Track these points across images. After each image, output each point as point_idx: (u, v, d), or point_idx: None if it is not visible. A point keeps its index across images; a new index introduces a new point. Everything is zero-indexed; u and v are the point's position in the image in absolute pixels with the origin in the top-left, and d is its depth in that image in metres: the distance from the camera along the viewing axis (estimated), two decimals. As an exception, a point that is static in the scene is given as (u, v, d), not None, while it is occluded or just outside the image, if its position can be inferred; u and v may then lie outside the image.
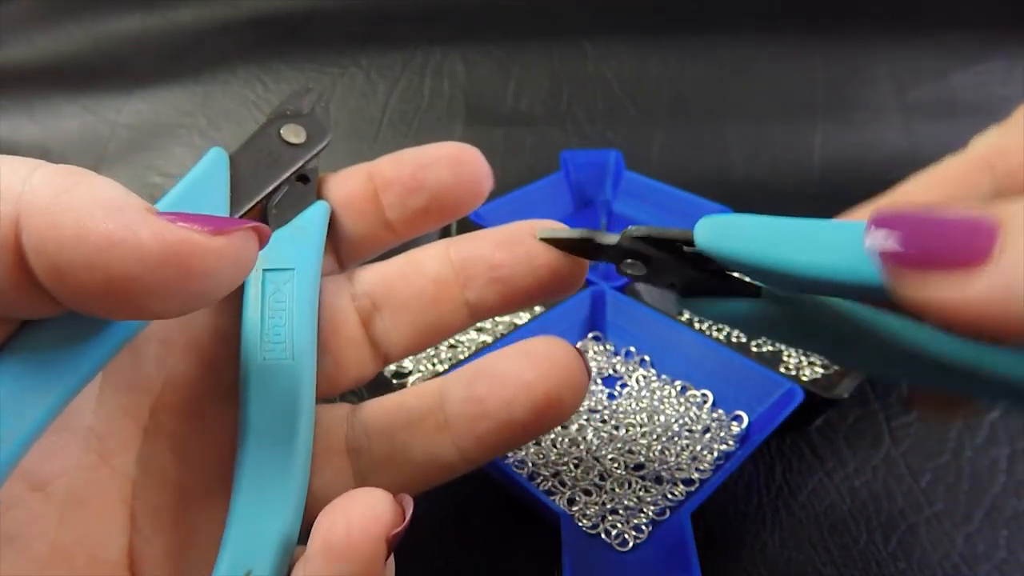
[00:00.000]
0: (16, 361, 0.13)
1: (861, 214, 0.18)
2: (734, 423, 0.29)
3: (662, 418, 0.30)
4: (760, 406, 0.29)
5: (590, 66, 0.58)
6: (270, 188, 0.19)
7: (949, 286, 0.11)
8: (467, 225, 0.38)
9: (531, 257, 0.19)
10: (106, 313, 0.13)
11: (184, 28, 0.59)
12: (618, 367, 0.33)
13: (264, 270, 0.18)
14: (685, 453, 0.28)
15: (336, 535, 0.14)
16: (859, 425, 0.31)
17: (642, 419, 0.30)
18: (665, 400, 0.31)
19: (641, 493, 0.27)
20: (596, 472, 0.28)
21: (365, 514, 0.14)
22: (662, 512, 0.26)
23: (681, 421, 0.30)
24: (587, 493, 0.27)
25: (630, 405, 0.31)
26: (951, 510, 0.27)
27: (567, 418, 0.18)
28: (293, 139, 0.20)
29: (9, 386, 0.13)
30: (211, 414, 0.18)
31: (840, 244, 0.13)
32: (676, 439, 0.29)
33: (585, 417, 0.30)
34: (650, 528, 0.25)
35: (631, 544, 0.25)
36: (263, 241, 0.14)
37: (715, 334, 0.36)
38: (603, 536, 0.25)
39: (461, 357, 0.33)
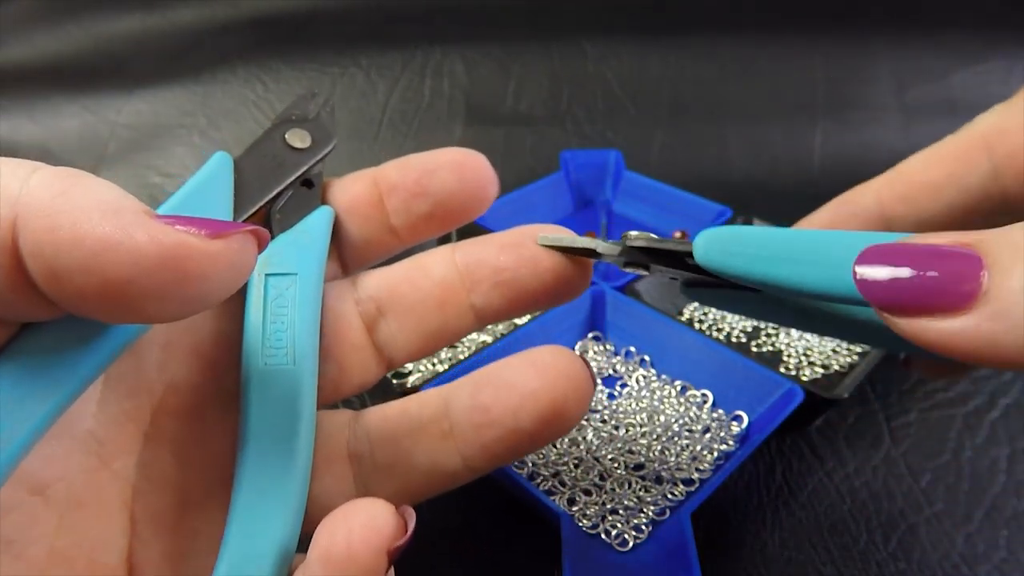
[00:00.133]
0: (15, 364, 0.13)
1: (837, 213, 0.18)
2: (734, 423, 0.29)
3: (662, 418, 0.30)
4: (760, 406, 0.29)
5: (590, 66, 0.58)
6: (274, 192, 0.19)
7: (937, 326, 0.11)
8: (468, 227, 0.38)
9: (536, 261, 0.19)
10: (104, 316, 0.13)
11: (184, 28, 0.59)
12: (618, 367, 0.33)
13: (266, 275, 0.18)
14: (685, 453, 0.28)
15: (337, 546, 0.14)
16: (859, 425, 0.31)
17: (642, 419, 0.30)
18: (665, 400, 0.31)
19: (641, 493, 0.27)
20: (596, 472, 0.28)
21: (367, 525, 0.14)
22: (662, 512, 0.26)
23: (681, 421, 0.30)
24: (587, 493, 0.27)
25: (630, 405, 0.31)
26: (951, 510, 0.27)
27: (573, 427, 0.18)
28: (298, 144, 0.20)
29: (8, 389, 0.13)
30: (212, 419, 0.18)
31: (837, 260, 0.13)
32: (676, 439, 0.29)
33: (585, 417, 0.30)
34: (650, 528, 0.25)
35: (631, 544, 0.25)
36: (262, 245, 0.14)
37: (715, 334, 0.36)
38: (603, 536, 0.25)
39: (461, 357, 0.33)
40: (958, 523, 0.27)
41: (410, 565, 0.26)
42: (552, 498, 0.26)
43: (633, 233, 0.18)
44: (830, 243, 0.13)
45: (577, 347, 0.34)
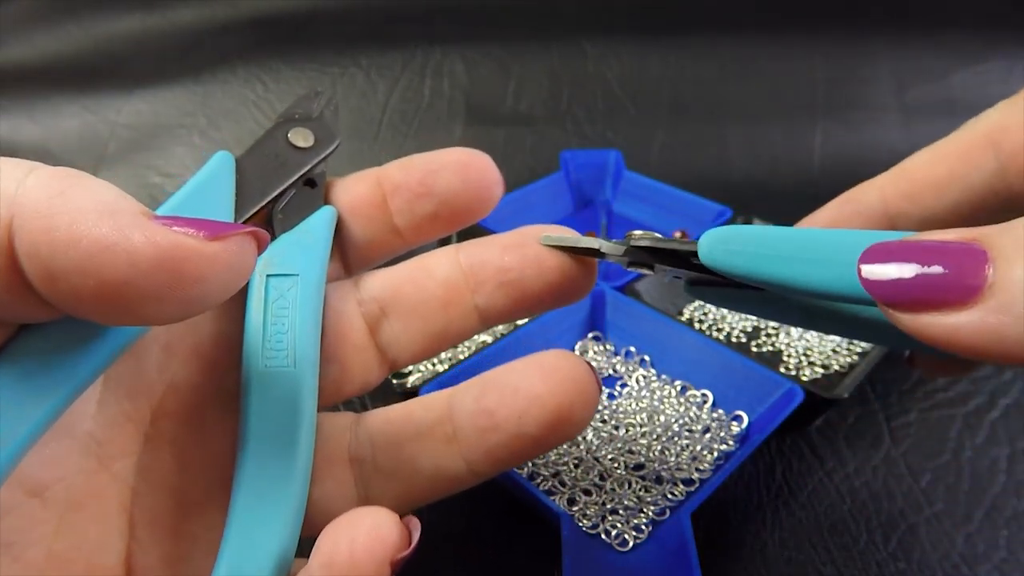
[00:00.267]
0: (13, 365, 0.13)
1: (840, 212, 0.18)
2: (734, 423, 0.29)
3: (662, 418, 0.30)
4: (760, 406, 0.29)
5: (590, 66, 0.58)
6: (276, 192, 0.19)
7: (942, 321, 0.11)
8: (469, 228, 0.38)
9: (541, 261, 0.18)
10: (101, 318, 0.13)
11: (184, 28, 0.59)
12: (618, 367, 0.33)
13: (268, 275, 0.18)
14: (685, 453, 0.28)
15: (340, 554, 0.14)
16: (859, 425, 0.31)
17: (642, 419, 0.30)
18: (665, 400, 0.31)
19: (641, 493, 0.27)
20: (596, 472, 0.28)
21: (370, 535, 0.14)
22: (662, 512, 0.26)
23: (681, 421, 0.30)
24: (587, 493, 0.27)
25: (630, 405, 0.31)
26: (951, 510, 0.27)
27: (578, 433, 0.18)
28: (301, 143, 0.20)
29: (6, 390, 0.13)
30: (212, 421, 0.18)
31: (842, 259, 0.13)
32: (676, 439, 0.29)
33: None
34: (650, 528, 0.25)
35: (631, 544, 0.25)
36: (262, 246, 0.14)
37: (715, 334, 0.36)
38: (603, 536, 0.25)
39: (461, 357, 0.33)
40: (958, 523, 0.27)
41: (410, 565, 0.26)
42: (552, 498, 0.26)
43: (637, 232, 0.18)
44: (835, 242, 0.13)
45: (577, 347, 0.34)
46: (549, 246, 0.19)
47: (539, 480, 0.27)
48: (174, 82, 0.58)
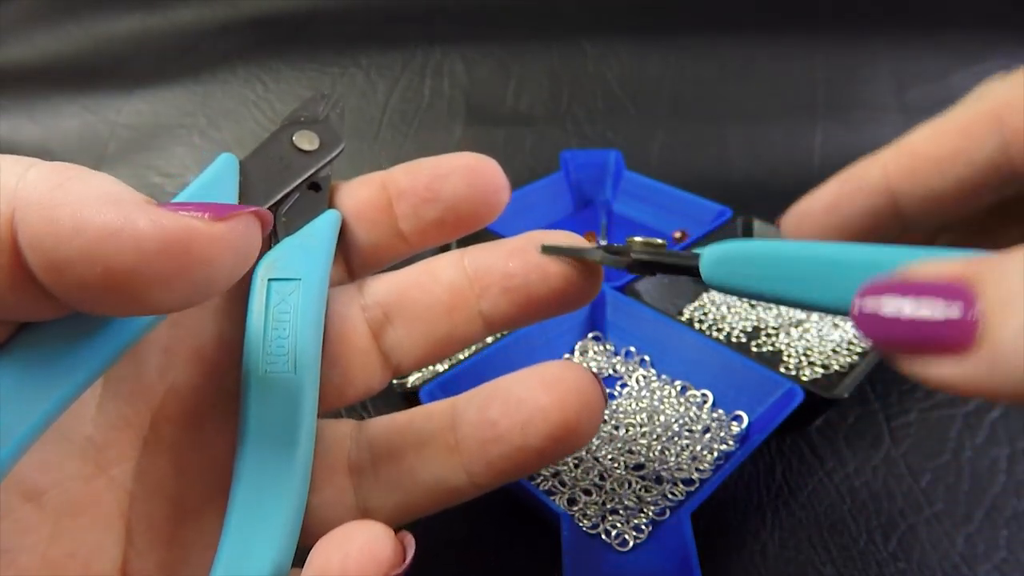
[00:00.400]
0: (12, 364, 0.13)
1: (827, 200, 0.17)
2: (734, 423, 0.29)
3: (662, 418, 0.30)
4: (760, 406, 0.29)
5: (590, 66, 0.58)
6: (280, 195, 0.19)
7: (937, 367, 0.11)
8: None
9: (545, 267, 0.18)
10: (107, 309, 0.13)
11: (184, 28, 0.59)
12: (618, 367, 0.33)
13: (270, 279, 0.18)
14: (685, 453, 0.28)
15: (331, 570, 0.14)
16: (859, 425, 0.31)
17: (642, 419, 0.30)
18: (665, 400, 0.31)
19: (641, 493, 0.27)
20: (596, 472, 0.28)
21: (363, 550, 0.14)
22: (662, 512, 0.26)
23: (681, 421, 0.30)
24: (587, 493, 0.27)
25: (630, 405, 0.31)
26: (951, 510, 0.27)
27: (583, 445, 0.18)
28: (306, 146, 0.20)
29: (4, 389, 0.13)
30: (212, 425, 0.18)
31: (848, 285, 0.13)
32: (676, 439, 0.29)
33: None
34: (650, 528, 0.25)
35: (631, 544, 0.25)
36: (266, 227, 0.14)
37: (715, 334, 0.36)
38: (603, 536, 0.25)
39: (461, 357, 0.33)
40: (958, 523, 0.27)
41: (410, 565, 0.26)
42: (552, 498, 0.26)
43: (638, 240, 0.18)
44: (838, 262, 0.13)
45: (577, 347, 0.34)
46: (547, 252, 0.18)
47: (539, 480, 0.27)
48: (174, 82, 0.58)
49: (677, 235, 0.43)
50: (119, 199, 0.12)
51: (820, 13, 0.57)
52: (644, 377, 0.32)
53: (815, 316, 0.37)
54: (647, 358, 0.33)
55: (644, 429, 0.30)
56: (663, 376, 0.33)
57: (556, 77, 0.58)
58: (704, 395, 0.31)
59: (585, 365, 0.33)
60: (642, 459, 0.28)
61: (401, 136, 0.56)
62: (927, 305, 0.11)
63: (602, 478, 0.27)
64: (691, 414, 0.30)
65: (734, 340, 0.36)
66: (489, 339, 0.34)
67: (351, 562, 0.14)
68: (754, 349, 0.36)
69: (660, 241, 0.18)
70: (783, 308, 0.38)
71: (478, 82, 0.58)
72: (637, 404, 0.31)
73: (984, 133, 0.15)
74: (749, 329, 0.37)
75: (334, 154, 0.20)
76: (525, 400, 0.17)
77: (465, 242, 0.21)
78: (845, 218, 0.17)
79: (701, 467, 0.28)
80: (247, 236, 0.13)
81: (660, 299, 0.37)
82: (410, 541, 0.15)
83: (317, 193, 0.19)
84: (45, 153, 0.54)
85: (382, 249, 0.20)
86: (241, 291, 0.18)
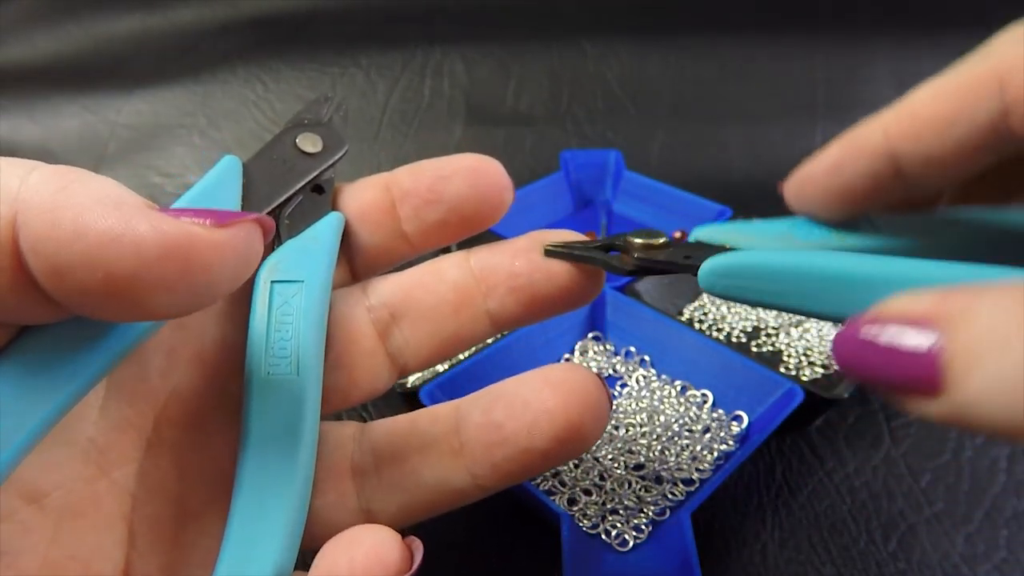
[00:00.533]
0: (13, 367, 0.13)
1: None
2: (734, 423, 0.29)
3: (662, 418, 0.30)
4: (760, 406, 0.29)
5: (590, 66, 0.58)
6: (283, 198, 0.19)
7: (914, 404, 0.11)
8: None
9: (550, 266, 0.18)
10: (108, 314, 0.13)
11: (184, 28, 0.59)
12: (618, 367, 0.33)
13: (272, 281, 0.18)
14: (685, 453, 0.28)
15: (338, 574, 0.14)
16: (859, 425, 0.31)
17: (642, 419, 0.30)
18: (665, 400, 0.31)
19: (641, 493, 0.27)
20: (596, 472, 0.28)
21: (370, 555, 0.14)
22: (662, 512, 0.26)
23: (681, 421, 0.30)
24: (587, 493, 0.27)
25: (630, 405, 0.31)
26: (951, 510, 0.27)
27: (588, 448, 0.18)
28: (309, 148, 0.20)
29: (5, 392, 0.13)
30: (214, 428, 0.18)
31: (846, 299, 0.13)
32: (676, 439, 0.29)
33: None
34: (650, 528, 0.25)
35: (631, 544, 0.25)
36: (268, 234, 0.14)
37: (715, 334, 0.36)
38: (603, 536, 0.25)
39: (461, 357, 0.33)
40: (958, 523, 0.27)
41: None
42: (552, 498, 0.26)
43: (638, 243, 0.18)
44: (836, 276, 0.14)
45: (577, 347, 0.34)
46: (549, 253, 0.18)
47: (539, 480, 0.27)
48: (174, 82, 0.58)
49: (677, 235, 0.43)
50: (121, 203, 0.12)
51: (820, 13, 0.57)
52: (644, 377, 0.32)
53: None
54: (647, 358, 0.33)
55: (644, 429, 0.30)
56: (663, 376, 0.33)
57: (556, 77, 0.58)
58: (704, 395, 0.31)
59: (585, 365, 0.33)
60: (642, 459, 0.28)
61: (401, 136, 0.56)
62: (895, 348, 0.11)
63: (602, 478, 0.27)
64: (691, 414, 0.30)
65: (734, 340, 0.36)
66: (489, 339, 0.34)
67: (358, 566, 0.14)
68: (754, 349, 0.36)
69: (660, 240, 0.18)
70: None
71: (478, 82, 0.58)
72: (637, 404, 0.31)
73: (985, 95, 0.14)
74: (749, 329, 0.37)
75: (337, 156, 0.20)
76: (531, 402, 0.17)
77: (465, 244, 0.21)
78: (847, 181, 0.17)
79: (701, 467, 0.28)
80: (248, 243, 0.13)
81: (660, 299, 0.37)
82: (417, 546, 0.15)
83: (320, 195, 0.19)
84: (45, 153, 0.54)
85: (386, 251, 0.20)
86: (244, 293, 0.18)
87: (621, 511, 0.26)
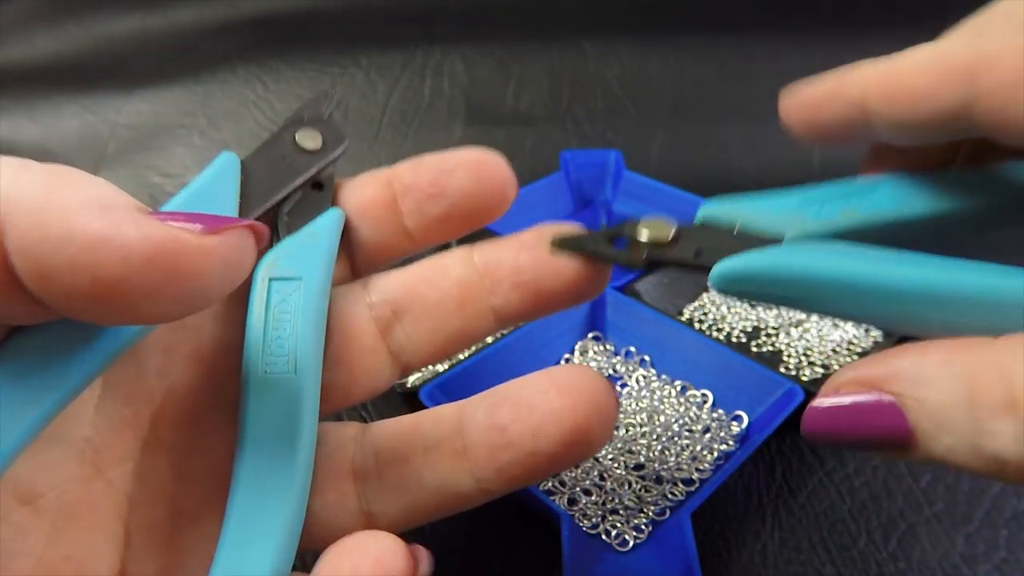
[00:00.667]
0: (5, 367, 0.13)
1: None
2: (734, 423, 0.29)
3: (662, 418, 0.30)
4: (760, 406, 0.29)
5: (590, 66, 0.58)
6: (282, 195, 0.18)
7: (894, 456, 0.12)
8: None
9: (556, 261, 0.18)
10: (95, 317, 0.13)
11: (184, 28, 0.59)
12: (618, 367, 0.33)
13: (271, 279, 0.17)
14: (685, 453, 0.28)
15: (361, 568, 0.14)
16: (859, 425, 0.31)
17: (642, 419, 0.30)
18: (665, 400, 0.31)
19: (641, 493, 0.27)
20: (596, 472, 0.28)
21: (376, 562, 0.14)
22: (662, 512, 0.26)
23: (681, 421, 0.30)
24: (587, 493, 0.27)
25: (630, 405, 0.31)
26: (951, 510, 0.27)
27: (595, 452, 0.17)
28: (309, 145, 0.19)
29: None
30: (211, 427, 0.18)
31: (851, 299, 0.14)
32: (676, 439, 0.29)
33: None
34: (650, 528, 0.25)
35: (631, 544, 0.25)
36: (261, 240, 0.14)
37: (715, 334, 0.36)
38: (603, 536, 0.25)
39: (461, 357, 0.33)
40: (958, 523, 0.27)
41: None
42: (552, 498, 0.26)
43: (645, 234, 0.17)
44: (854, 287, 0.14)
45: (577, 347, 0.34)
46: (557, 246, 0.18)
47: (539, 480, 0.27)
48: (174, 82, 0.58)
49: (677, 235, 0.43)
50: (110, 206, 0.12)
51: (820, 13, 0.57)
52: (644, 377, 0.32)
53: (815, 316, 0.37)
54: (647, 358, 0.33)
55: (644, 429, 0.30)
56: (663, 376, 0.33)
57: (556, 77, 0.58)
58: (704, 395, 0.31)
59: (585, 365, 0.33)
60: (642, 459, 0.28)
61: (401, 136, 0.56)
62: (863, 423, 0.13)
63: (602, 478, 0.27)
64: (691, 414, 0.30)
65: (734, 340, 0.36)
66: (489, 339, 0.34)
67: (362, 573, 0.14)
68: (754, 349, 0.36)
69: (670, 233, 0.18)
70: (783, 308, 0.38)
71: (478, 82, 0.58)
72: (637, 404, 0.31)
73: (956, 83, 0.15)
74: (749, 329, 0.37)
75: (337, 153, 0.20)
76: (537, 405, 0.17)
77: (466, 242, 0.21)
78: (823, 121, 0.18)
79: (701, 467, 0.28)
80: (239, 250, 0.13)
81: (660, 299, 0.37)
82: (423, 555, 0.15)
83: (320, 192, 0.19)
84: (45, 153, 0.54)
85: (387, 247, 0.19)
86: (242, 292, 0.17)
87: (621, 511, 0.26)
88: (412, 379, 0.32)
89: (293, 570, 0.16)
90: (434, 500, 0.18)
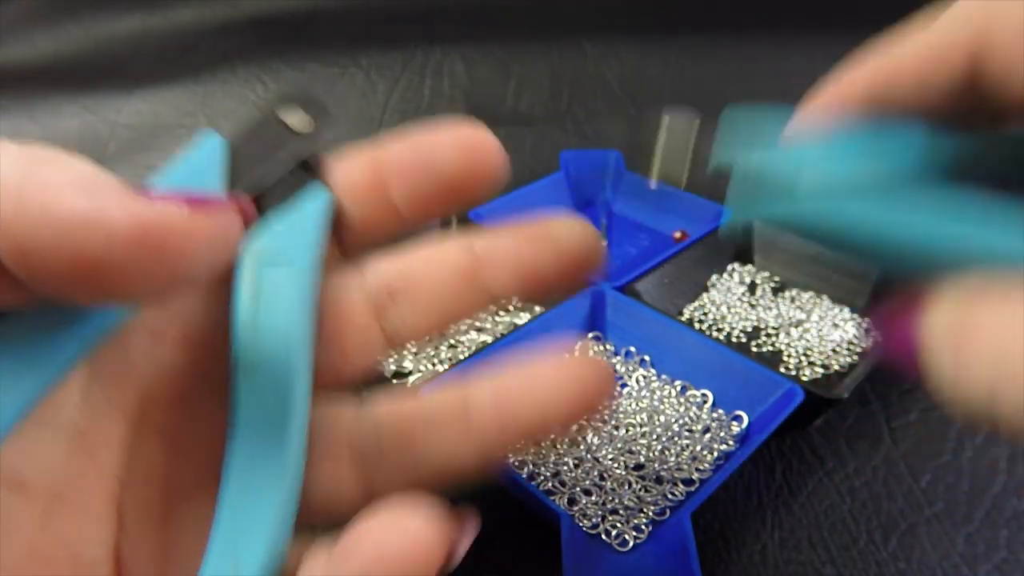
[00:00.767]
0: None
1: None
2: (734, 423, 0.29)
3: (662, 418, 0.30)
4: (760, 406, 0.29)
5: (590, 66, 0.58)
6: (270, 176, 0.18)
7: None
8: (468, 225, 0.38)
9: (556, 243, 0.18)
10: (80, 298, 0.12)
11: (184, 28, 0.59)
12: (618, 367, 0.33)
13: (259, 260, 0.17)
14: (685, 453, 0.28)
15: (367, 555, 0.13)
16: (859, 425, 0.31)
17: (642, 419, 0.30)
18: (665, 400, 0.31)
19: (641, 493, 0.27)
20: (596, 472, 0.28)
21: (402, 542, 0.13)
22: (662, 512, 0.26)
23: (681, 421, 0.30)
24: (587, 493, 0.27)
25: (630, 405, 0.31)
26: (951, 510, 0.27)
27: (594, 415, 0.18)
28: (296, 125, 0.19)
29: None
30: (202, 408, 0.17)
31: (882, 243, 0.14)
32: (676, 439, 0.29)
33: (585, 417, 0.30)
34: (650, 528, 0.25)
35: (631, 544, 0.25)
36: (248, 220, 0.14)
37: (715, 334, 0.36)
38: (603, 536, 0.25)
39: (461, 357, 0.33)
40: (958, 523, 0.27)
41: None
42: (552, 498, 0.26)
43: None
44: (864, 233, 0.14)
45: (577, 347, 0.34)
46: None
47: (539, 480, 0.27)
48: (174, 82, 0.58)
49: (677, 235, 0.43)
50: (93, 185, 0.12)
51: (820, 13, 0.57)
52: (644, 377, 0.32)
53: (815, 316, 0.37)
54: (647, 358, 0.33)
55: (644, 429, 0.30)
56: (663, 376, 0.33)
57: (556, 77, 0.58)
58: (704, 395, 0.31)
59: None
60: (642, 459, 0.28)
61: (401, 136, 0.56)
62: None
63: (602, 478, 0.27)
64: (691, 414, 0.30)
65: (734, 340, 0.36)
66: (489, 338, 0.35)
67: (389, 550, 0.13)
68: (754, 349, 0.36)
69: None
70: (783, 308, 0.38)
71: (478, 82, 0.58)
72: (637, 404, 0.31)
73: (955, 64, 0.15)
74: (749, 329, 0.37)
75: (324, 132, 0.19)
76: (542, 393, 0.17)
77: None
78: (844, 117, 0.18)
79: (701, 467, 0.28)
80: (226, 229, 0.13)
81: (660, 299, 0.37)
82: (469, 523, 0.14)
83: (308, 172, 0.19)
84: (45, 153, 0.54)
85: (375, 225, 0.19)
86: (230, 273, 0.17)
87: (621, 511, 0.26)
88: (413, 379, 0.32)
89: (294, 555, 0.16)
90: (435, 475, 0.18)
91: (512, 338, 0.32)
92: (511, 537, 0.26)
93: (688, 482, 0.27)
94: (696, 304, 0.39)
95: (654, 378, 0.32)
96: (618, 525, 0.25)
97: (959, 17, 0.16)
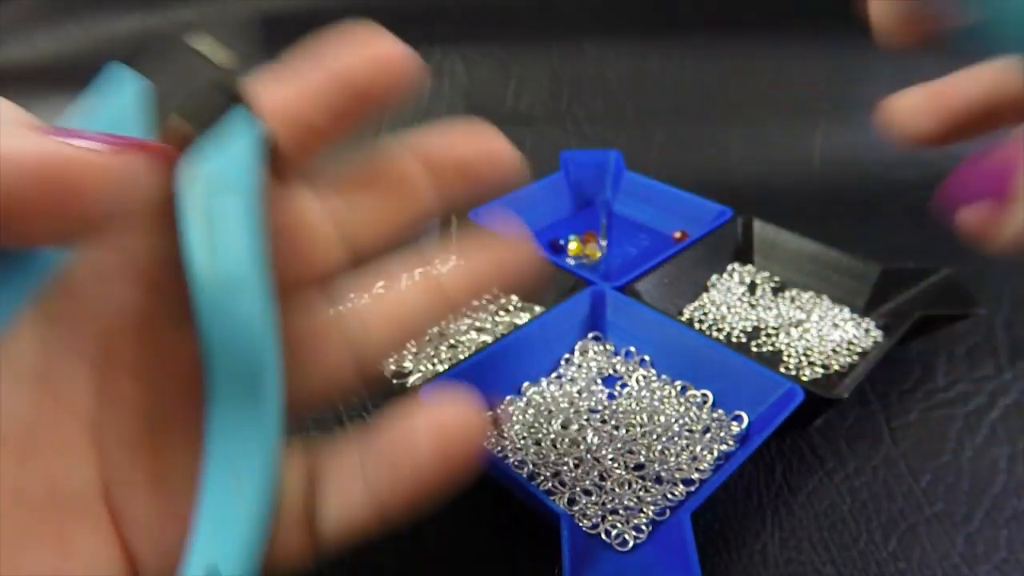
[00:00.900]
0: None
1: None
2: (734, 423, 0.29)
3: (662, 418, 0.30)
4: (760, 406, 0.29)
5: (590, 66, 0.58)
6: (191, 105, 0.18)
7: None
8: (468, 226, 0.38)
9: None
10: None
11: (184, 28, 0.59)
12: (618, 367, 0.33)
13: (204, 190, 0.17)
14: (685, 453, 0.28)
15: (446, 424, 0.16)
16: (859, 425, 0.31)
17: (642, 419, 0.30)
18: (665, 400, 0.31)
19: (641, 493, 0.27)
20: (596, 472, 0.28)
21: (454, 416, 0.16)
22: (662, 512, 0.26)
23: (681, 421, 0.30)
24: (587, 493, 0.27)
25: (630, 405, 0.31)
26: (951, 510, 0.27)
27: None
28: (209, 54, 0.19)
29: None
30: (169, 342, 0.17)
31: None
32: (676, 439, 0.29)
33: (585, 417, 0.30)
34: (650, 528, 0.25)
35: (631, 544, 0.25)
36: (168, 160, 0.13)
37: (715, 334, 0.36)
38: (603, 536, 0.25)
39: (461, 357, 0.33)
40: (958, 523, 0.27)
41: (410, 564, 0.26)
42: (552, 498, 0.26)
43: None
44: None
45: (577, 347, 0.34)
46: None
47: (539, 480, 0.27)
48: (174, 82, 0.58)
49: (677, 235, 0.43)
50: (4, 121, 0.12)
51: (821, 13, 0.57)
52: (644, 377, 0.32)
53: (815, 316, 0.37)
54: (647, 358, 0.33)
55: (644, 429, 0.30)
56: (663, 376, 0.33)
57: (556, 77, 0.58)
58: (704, 395, 0.31)
59: (585, 365, 0.33)
60: (642, 459, 0.28)
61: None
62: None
63: (602, 478, 0.27)
64: (691, 414, 0.30)
65: (734, 340, 0.36)
66: (489, 339, 0.35)
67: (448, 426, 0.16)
68: (754, 349, 0.36)
69: None
70: (783, 308, 0.38)
71: (478, 82, 0.58)
72: (637, 404, 0.31)
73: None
74: (749, 329, 0.37)
75: (247, 61, 0.19)
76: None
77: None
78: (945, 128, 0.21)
79: (701, 467, 0.28)
80: (140, 172, 0.13)
81: (660, 299, 0.37)
82: (501, 416, 0.16)
83: (232, 100, 0.19)
84: (45, 153, 0.54)
85: (303, 146, 0.19)
86: (173, 205, 0.17)
87: (621, 511, 0.26)
88: (413, 379, 0.32)
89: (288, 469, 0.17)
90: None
91: (512, 338, 0.32)
92: (511, 537, 0.26)
93: (688, 482, 0.27)
94: (696, 304, 0.39)
95: (654, 378, 0.32)
96: (618, 525, 0.25)
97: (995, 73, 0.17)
